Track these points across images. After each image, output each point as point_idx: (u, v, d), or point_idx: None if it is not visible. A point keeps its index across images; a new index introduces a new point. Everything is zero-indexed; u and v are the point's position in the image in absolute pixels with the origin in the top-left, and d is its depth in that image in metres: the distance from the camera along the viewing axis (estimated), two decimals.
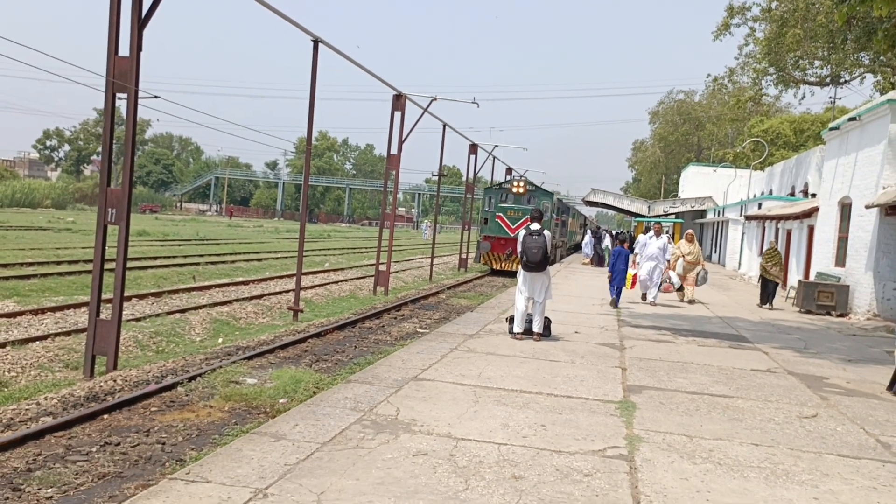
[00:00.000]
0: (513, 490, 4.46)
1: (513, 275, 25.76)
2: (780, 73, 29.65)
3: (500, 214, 29.06)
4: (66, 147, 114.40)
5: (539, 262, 10.20)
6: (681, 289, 17.60)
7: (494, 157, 36.25)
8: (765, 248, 22.23)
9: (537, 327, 10.29)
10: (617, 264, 15.82)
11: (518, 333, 10.29)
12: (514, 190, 29.61)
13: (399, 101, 20.77)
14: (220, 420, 7.88)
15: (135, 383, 9.17)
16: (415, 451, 5.06)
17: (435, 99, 22.86)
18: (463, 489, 4.43)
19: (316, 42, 15.19)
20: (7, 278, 17.05)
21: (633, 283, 16.55)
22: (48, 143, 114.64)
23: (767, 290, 18.14)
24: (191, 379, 9.29)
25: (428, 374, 7.57)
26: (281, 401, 8.53)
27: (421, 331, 14.53)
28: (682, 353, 10.01)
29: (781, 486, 4.86)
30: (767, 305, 18.02)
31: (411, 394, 6.66)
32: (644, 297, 16.86)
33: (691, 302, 17.40)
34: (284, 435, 5.22)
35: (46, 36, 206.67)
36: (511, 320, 10.59)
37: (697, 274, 17.70)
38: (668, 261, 16.98)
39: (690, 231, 18.97)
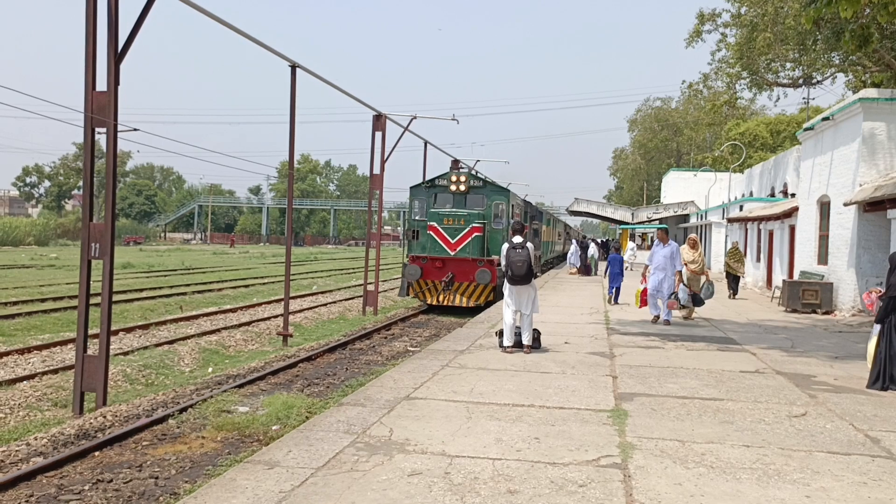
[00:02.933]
0: None
1: (462, 311, 20.41)
2: (753, 77, 29.98)
3: (434, 224, 20.70)
4: (47, 183, 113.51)
5: (524, 276, 10.26)
6: (688, 305, 14.86)
7: (476, 172, 36.39)
8: (727, 248, 24.99)
9: (526, 340, 10.33)
10: (612, 269, 18.72)
11: (508, 347, 10.32)
12: (453, 187, 21.46)
13: (379, 121, 20.89)
14: (213, 450, 7.85)
15: (125, 418, 9.11)
16: (410, 471, 5.06)
17: (415, 117, 23.00)
18: None
19: (293, 67, 15.27)
20: None
21: (643, 302, 14.72)
22: (28, 179, 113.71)
23: (734, 283, 21.63)
24: (182, 410, 9.25)
25: (420, 392, 7.57)
26: (274, 427, 8.50)
27: (412, 349, 14.53)
28: (671, 359, 10.07)
29: (774, 485, 4.90)
30: (732, 295, 21.30)
31: (404, 413, 6.67)
32: (656, 318, 14.31)
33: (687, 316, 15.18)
34: (278, 462, 5.22)
35: (24, 73, 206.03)
36: (500, 334, 10.62)
37: (702, 286, 15.43)
38: (680, 272, 14.27)
39: (693, 236, 16.63)
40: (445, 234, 20.56)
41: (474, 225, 20.53)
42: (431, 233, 20.77)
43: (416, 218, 21.89)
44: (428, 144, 26.40)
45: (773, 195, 31.40)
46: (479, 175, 23.26)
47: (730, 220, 32.01)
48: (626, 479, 4.98)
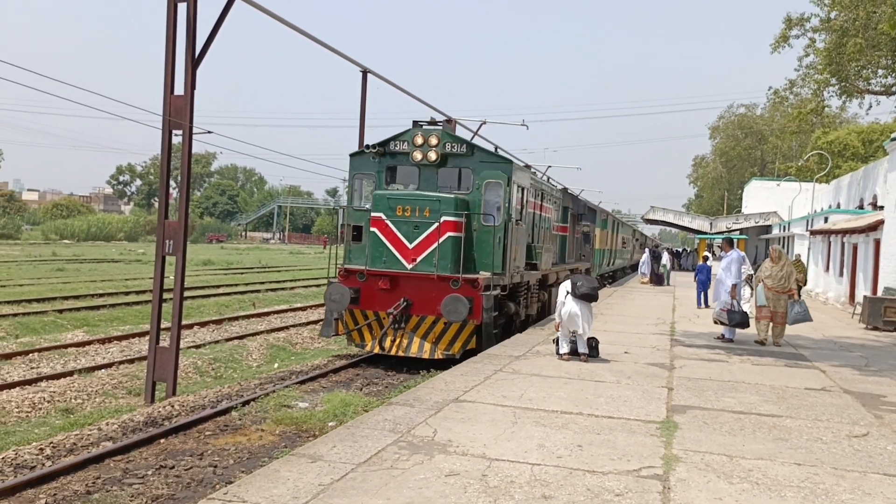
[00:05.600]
0: None
1: (426, 364, 12.37)
2: (843, 84, 28.82)
3: (380, 216, 12.53)
4: (138, 182, 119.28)
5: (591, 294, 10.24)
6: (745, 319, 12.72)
7: (548, 178, 36.22)
8: (791, 259, 24.56)
9: (582, 348, 10.26)
10: (699, 276, 21.17)
11: (565, 354, 10.27)
12: (417, 155, 13.14)
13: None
14: (270, 443, 8.12)
15: (191, 408, 9.51)
16: (447, 472, 5.14)
17: (484, 122, 22.99)
18: None
19: (365, 72, 15.64)
20: (78, 309, 17.90)
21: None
22: (121, 178, 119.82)
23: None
24: (244, 403, 9.58)
25: (469, 395, 7.64)
26: (330, 424, 8.71)
27: None
28: (733, 373, 9.82)
29: None
30: None
31: (450, 415, 6.75)
32: (721, 336, 13.24)
33: (763, 343, 12.84)
34: (322, 456, 5.38)
35: (119, 78, 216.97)
36: (558, 341, 10.58)
37: (787, 308, 12.79)
38: (734, 286, 12.87)
39: (775, 247, 13.55)
40: (398, 234, 12.46)
41: (447, 218, 12.32)
42: (376, 230, 12.59)
43: (357, 206, 13.66)
44: (498, 150, 26.41)
45: (861, 207, 30.05)
46: (457, 134, 14.37)
47: (812, 233, 30.80)
48: (665, 491, 4.92)
